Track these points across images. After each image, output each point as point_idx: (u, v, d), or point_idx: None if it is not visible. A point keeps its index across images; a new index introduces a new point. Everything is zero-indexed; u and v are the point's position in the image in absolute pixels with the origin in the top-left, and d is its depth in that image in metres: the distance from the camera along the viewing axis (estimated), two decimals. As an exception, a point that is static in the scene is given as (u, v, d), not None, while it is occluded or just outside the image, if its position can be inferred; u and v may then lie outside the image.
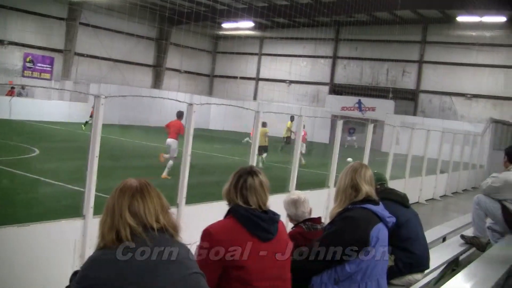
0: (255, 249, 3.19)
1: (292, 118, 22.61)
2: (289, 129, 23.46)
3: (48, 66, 32.72)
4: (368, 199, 3.91)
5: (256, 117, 8.18)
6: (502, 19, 32.91)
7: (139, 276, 2.34)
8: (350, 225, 3.78)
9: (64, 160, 14.12)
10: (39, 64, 32.28)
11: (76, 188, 10.98)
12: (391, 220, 3.97)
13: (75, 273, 2.71)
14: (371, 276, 3.74)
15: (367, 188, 3.93)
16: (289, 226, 4.84)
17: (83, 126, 26.77)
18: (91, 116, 30.89)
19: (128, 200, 2.52)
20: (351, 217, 3.82)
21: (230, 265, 3.11)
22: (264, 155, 19.36)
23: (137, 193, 2.55)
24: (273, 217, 3.33)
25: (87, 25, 35.02)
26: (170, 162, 14.66)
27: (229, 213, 3.32)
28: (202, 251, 3.12)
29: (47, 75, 32.53)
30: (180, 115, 15.36)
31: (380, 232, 3.81)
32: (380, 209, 3.93)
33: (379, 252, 3.79)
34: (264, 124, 18.06)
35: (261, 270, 3.18)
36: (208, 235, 3.16)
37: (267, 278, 3.22)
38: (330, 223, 4.00)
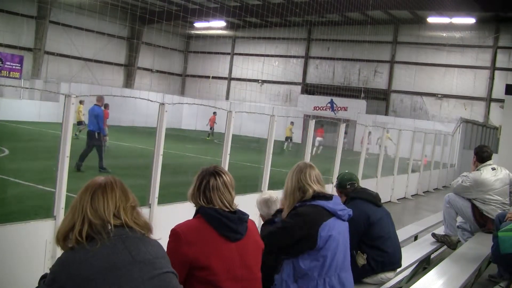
0: (223, 250, 3.16)
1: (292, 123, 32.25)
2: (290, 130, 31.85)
3: (17, 65, 32.15)
4: (317, 196, 3.88)
5: (228, 117, 8.13)
6: (471, 20, 33.40)
7: (107, 277, 2.29)
8: (298, 222, 3.76)
9: (34, 160, 13.95)
10: (8, 63, 31.71)
11: (47, 188, 10.85)
12: (345, 212, 3.93)
13: (43, 277, 2.65)
14: (329, 272, 3.72)
15: (314, 187, 3.90)
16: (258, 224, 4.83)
17: (207, 137, 33.45)
18: (211, 128, 34.25)
19: (90, 196, 2.48)
20: (299, 213, 3.81)
21: (195, 265, 3.07)
22: (290, 144, 31.20)
23: (99, 189, 2.50)
24: (242, 217, 3.29)
25: (57, 23, 34.58)
26: (321, 147, 26.91)
27: (197, 212, 3.28)
28: (169, 251, 3.04)
29: (17, 74, 31.99)
30: (321, 125, 29.40)
31: (333, 227, 3.78)
32: (331, 203, 3.88)
33: (336, 247, 3.76)
34: (292, 123, 31.79)
35: (228, 270, 3.14)
36: (175, 235, 3.12)
37: (235, 279, 3.18)
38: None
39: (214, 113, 33.84)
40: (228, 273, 3.14)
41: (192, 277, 3.10)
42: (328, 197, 3.92)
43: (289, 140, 31.68)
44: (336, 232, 3.79)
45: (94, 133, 14.37)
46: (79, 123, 25.13)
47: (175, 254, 3.02)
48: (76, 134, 24.31)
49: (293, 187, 3.95)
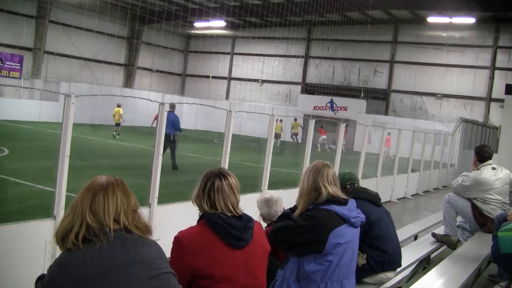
0: (227, 258, 3.12)
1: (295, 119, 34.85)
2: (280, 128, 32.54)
3: (17, 64, 32.15)
4: (332, 200, 3.80)
5: (228, 117, 8.13)
6: (471, 20, 33.38)
7: (106, 277, 2.28)
8: (310, 225, 3.68)
9: (34, 160, 13.93)
10: (8, 63, 31.71)
11: (46, 188, 10.85)
12: (358, 219, 3.84)
13: (39, 278, 2.63)
14: (332, 277, 3.65)
15: (329, 190, 3.81)
16: (262, 225, 4.82)
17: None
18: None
19: (90, 198, 2.45)
20: (312, 216, 3.72)
21: (198, 274, 3.03)
22: (279, 140, 31.66)
23: (101, 190, 2.47)
24: (247, 225, 3.24)
25: (57, 23, 34.55)
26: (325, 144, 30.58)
27: (201, 218, 3.23)
28: (172, 259, 3.02)
29: (16, 74, 31.99)
30: (321, 126, 31.21)
31: (343, 234, 3.69)
32: (345, 209, 3.78)
33: (342, 253, 3.68)
34: (281, 121, 31.02)
35: (232, 278, 3.11)
36: (178, 243, 3.08)
37: (240, 286, 3.15)
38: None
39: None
40: (232, 281, 3.11)
41: (195, 285, 3.07)
42: (343, 202, 3.84)
43: (278, 137, 31.94)
44: (346, 239, 3.71)
45: (170, 135, 15.92)
46: (117, 124, 25.76)
47: (179, 263, 2.99)
48: (114, 135, 25.85)
49: (309, 188, 3.86)
